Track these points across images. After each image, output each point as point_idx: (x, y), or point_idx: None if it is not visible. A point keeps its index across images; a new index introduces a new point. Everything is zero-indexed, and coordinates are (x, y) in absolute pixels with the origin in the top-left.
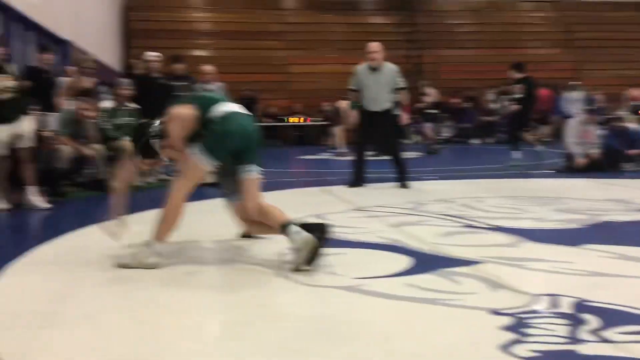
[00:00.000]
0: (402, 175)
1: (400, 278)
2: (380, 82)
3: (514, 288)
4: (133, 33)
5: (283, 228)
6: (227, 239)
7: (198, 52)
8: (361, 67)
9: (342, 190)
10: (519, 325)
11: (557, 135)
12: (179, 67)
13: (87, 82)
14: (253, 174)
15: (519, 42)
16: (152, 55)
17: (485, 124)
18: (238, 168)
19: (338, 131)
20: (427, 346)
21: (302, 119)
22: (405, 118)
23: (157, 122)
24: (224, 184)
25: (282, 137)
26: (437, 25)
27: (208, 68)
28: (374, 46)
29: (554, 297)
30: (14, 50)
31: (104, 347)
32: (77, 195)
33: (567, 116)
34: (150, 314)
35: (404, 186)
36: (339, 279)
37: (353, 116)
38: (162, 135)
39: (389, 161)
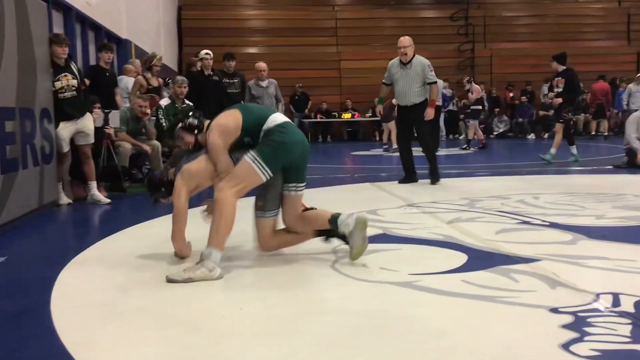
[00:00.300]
0: (431, 171)
1: (456, 274)
2: (410, 77)
3: (574, 286)
4: (185, 31)
5: (333, 220)
6: None
7: (250, 50)
8: (393, 61)
9: (394, 186)
10: (579, 324)
11: (618, 130)
12: (231, 65)
13: (156, 80)
14: (301, 191)
15: (578, 35)
16: (204, 53)
17: (542, 118)
18: (287, 183)
19: (390, 127)
20: (484, 343)
21: (356, 115)
22: (430, 113)
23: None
24: (260, 197)
25: (334, 133)
26: (491, 18)
27: (262, 65)
28: (405, 41)
29: (615, 296)
30: (74, 49)
31: (162, 338)
32: (136, 190)
33: (628, 110)
34: (207, 307)
35: (433, 182)
36: (394, 274)
37: (378, 111)
38: (197, 127)
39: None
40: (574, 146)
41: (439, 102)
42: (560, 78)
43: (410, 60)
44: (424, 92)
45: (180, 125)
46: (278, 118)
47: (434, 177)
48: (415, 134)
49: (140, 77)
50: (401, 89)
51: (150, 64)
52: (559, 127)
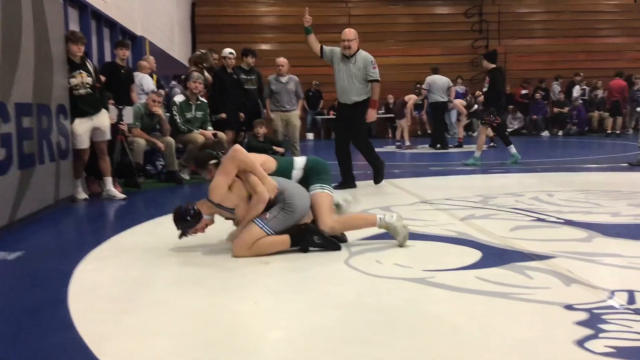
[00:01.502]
0: (376, 175)
1: (470, 271)
2: (351, 72)
3: (589, 283)
4: (199, 28)
5: (378, 221)
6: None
7: (263, 46)
8: (337, 51)
9: (407, 182)
10: (594, 321)
11: (635, 128)
12: (249, 61)
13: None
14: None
15: (594, 31)
16: (228, 52)
17: (557, 115)
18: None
19: (402, 124)
20: (499, 340)
21: None
22: (372, 115)
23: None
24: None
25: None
26: (505, 15)
27: (281, 60)
28: (349, 33)
29: (630, 293)
30: (90, 46)
31: (178, 331)
32: (150, 186)
33: None
34: (222, 301)
35: (377, 183)
36: (408, 270)
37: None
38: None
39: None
40: (512, 146)
41: (443, 99)
42: (488, 77)
43: (353, 55)
44: (365, 90)
45: (214, 161)
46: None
47: (378, 179)
48: (352, 136)
49: (196, 73)
50: (341, 85)
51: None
52: (482, 129)
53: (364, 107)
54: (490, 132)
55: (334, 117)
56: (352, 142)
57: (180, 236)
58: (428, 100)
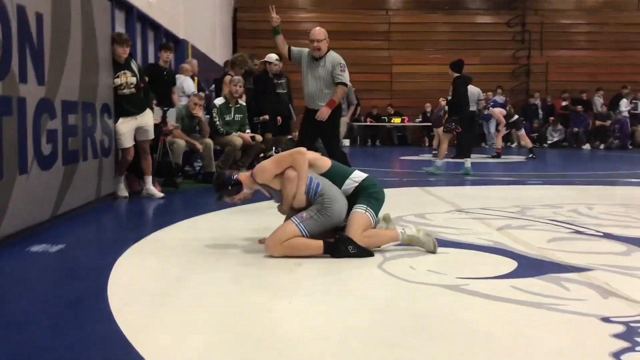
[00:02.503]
0: None
1: (505, 280)
2: (320, 76)
3: (626, 297)
4: (240, 33)
5: (400, 235)
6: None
7: None
8: (306, 52)
9: (443, 190)
10: (631, 334)
11: None
12: (279, 66)
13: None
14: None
15: (638, 44)
16: (275, 59)
17: (598, 128)
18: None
19: (440, 133)
20: (533, 349)
21: (405, 120)
22: (324, 112)
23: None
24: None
25: (383, 137)
26: (548, 25)
27: None
28: (318, 33)
29: None
30: (134, 47)
31: (214, 327)
32: (188, 186)
33: None
34: (257, 298)
35: None
36: (442, 277)
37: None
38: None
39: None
40: (468, 160)
41: (470, 108)
42: (452, 86)
43: (323, 57)
44: (329, 94)
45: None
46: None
47: None
48: (325, 147)
49: (228, 76)
50: (309, 90)
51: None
52: (443, 137)
53: (335, 114)
54: (529, 143)
55: (301, 125)
56: (328, 153)
57: (217, 200)
58: None
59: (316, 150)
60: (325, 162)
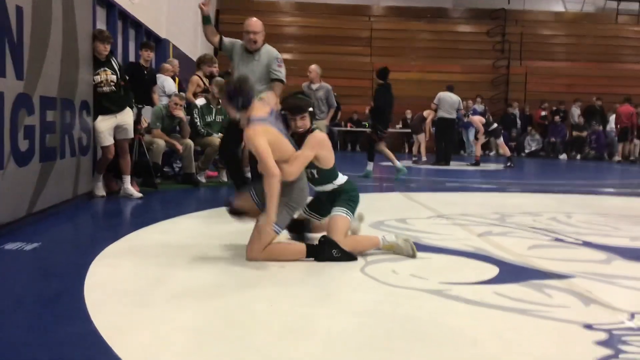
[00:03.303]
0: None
1: (488, 286)
2: (254, 70)
3: (608, 304)
4: (223, 35)
5: (381, 242)
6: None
7: (284, 56)
8: (238, 44)
9: (423, 196)
10: (614, 342)
11: None
12: None
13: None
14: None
15: (616, 57)
16: None
17: (575, 139)
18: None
19: (420, 139)
20: (517, 355)
21: None
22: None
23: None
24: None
25: (363, 142)
26: (528, 36)
27: (311, 67)
28: (255, 24)
29: None
30: (115, 45)
31: (193, 327)
32: (167, 187)
33: None
34: (239, 299)
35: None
36: (425, 282)
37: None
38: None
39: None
40: (372, 163)
41: (450, 116)
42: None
43: (258, 50)
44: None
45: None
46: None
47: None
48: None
49: (195, 76)
50: None
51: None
52: (377, 146)
53: None
54: (507, 152)
55: (228, 122)
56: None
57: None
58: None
59: (237, 156)
60: (330, 161)
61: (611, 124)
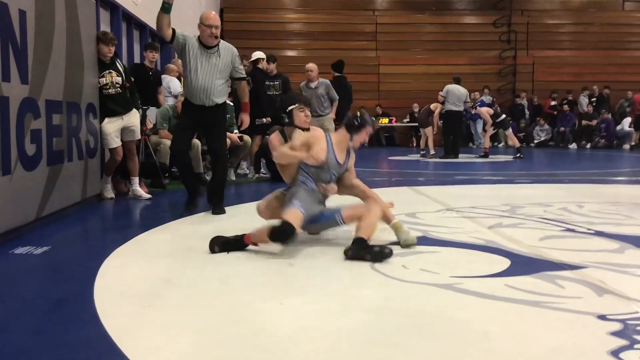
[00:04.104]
0: (217, 201)
1: (499, 279)
2: (213, 66)
3: (622, 294)
4: (226, 33)
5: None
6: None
7: (289, 53)
8: (193, 39)
9: (432, 190)
10: (629, 332)
11: None
12: (271, 67)
13: None
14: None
15: (623, 44)
16: (261, 55)
17: (584, 127)
18: None
19: (427, 133)
20: (530, 348)
21: (393, 120)
22: (246, 120)
23: None
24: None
25: (370, 137)
26: (534, 25)
27: (309, 65)
28: (214, 18)
29: None
30: (120, 47)
31: (203, 328)
32: (175, 187)
33: None
34: (248, 300)
35: (215, 211)
36: (435, 276)
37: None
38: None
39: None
40: None
41: (458, 108)
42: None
43: (216, 45)
44: (226, 89)
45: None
46: None
47: (217, 205)
48: (207, 147)
49: None
50: (200, 83)
51: None
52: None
53: (224, 110)
54: (516, 142)
55: (181, 122)
56: (216, 151)
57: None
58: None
59: (189, 157)
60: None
61: (625, 115)
